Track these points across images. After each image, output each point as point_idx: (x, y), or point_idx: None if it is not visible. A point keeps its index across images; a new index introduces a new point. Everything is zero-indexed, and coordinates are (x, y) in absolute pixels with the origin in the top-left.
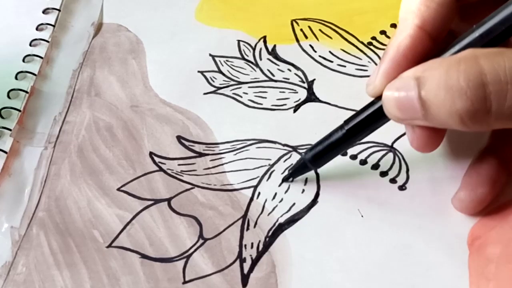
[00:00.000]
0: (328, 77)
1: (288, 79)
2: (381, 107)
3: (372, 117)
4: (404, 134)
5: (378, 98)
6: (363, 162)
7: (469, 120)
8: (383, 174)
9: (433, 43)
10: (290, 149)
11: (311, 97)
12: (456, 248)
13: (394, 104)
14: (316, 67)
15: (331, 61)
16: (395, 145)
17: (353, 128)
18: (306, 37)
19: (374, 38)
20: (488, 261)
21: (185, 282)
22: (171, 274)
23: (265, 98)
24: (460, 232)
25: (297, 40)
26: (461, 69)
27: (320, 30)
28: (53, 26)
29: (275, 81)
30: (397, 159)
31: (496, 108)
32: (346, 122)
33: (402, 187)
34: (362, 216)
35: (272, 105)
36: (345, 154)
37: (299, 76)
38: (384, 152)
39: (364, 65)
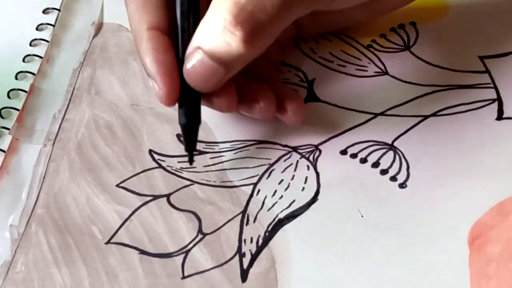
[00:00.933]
0: (328, 77)
1: (288, 79)
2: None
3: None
4: (404, 132)
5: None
6: (363, 160)
7: (252, 37)
8: (383, 172)
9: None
10: (290, 149)
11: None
12: (456, 247)
13: (197, 76)
14: (316, 67)
15: (331, 61)
16: (395, 144)
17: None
18: (306, 42)
19: (373, 41)
20: (488, 261)
21: (184, 277)
22: (170, 269)
23: None
24: (461, 231)
25: (297, 45)
26: (217, 14)
27: (320, 34)
28: (53, 26)
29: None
30: (397, 157)
31: (263, 13)
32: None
33: (402, 185)
34: (362, 216)
35: None
36: (345, 153)
37: (299, 76)
38: (384, 150)
39: (364, 65)
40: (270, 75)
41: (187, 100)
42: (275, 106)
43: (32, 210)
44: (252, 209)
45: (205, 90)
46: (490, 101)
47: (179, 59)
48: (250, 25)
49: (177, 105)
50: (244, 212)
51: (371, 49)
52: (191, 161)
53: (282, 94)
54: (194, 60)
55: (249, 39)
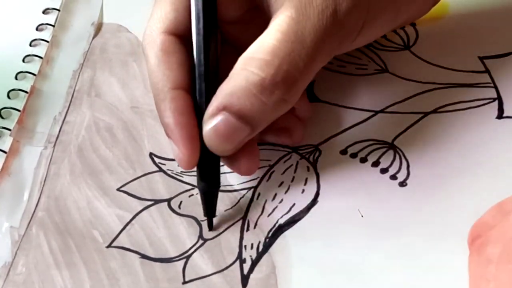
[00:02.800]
0: (328, 78)
1: None
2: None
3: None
4: (404, 130)
5: None
6: (363, 160)
7: (290, 95)
8: (384, 171)
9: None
10: (290, 150)
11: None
12: (456, 247)
13: (219, 138)
14: None
15: (331, 63)
16: (395, 142)
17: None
18: None
19: (374, 40)
20: (488, 262)
21: (185, 282)
22: (171, 274)
23: None
24: (461, 230)
25: None
26: (249, 69)
27: None
28: (53, 26)
29: None
30: (397, 156)
31: (298, 71)
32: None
33: (402, 184)
34: (362, 216)
35: None
36: (345, 152)
37: None
38: (384, 149)
39: (364, 64)
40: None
41: (207, 163)
42: (303, 131)
43: (33, 213)
44: (252, 215)
45: (225, 153)
46: (491, 100)
47: (199, 121)
48: (288, 83)
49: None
50: (244, 218)
51: (371, 48)
52: (210, 227)
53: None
54: (217, 120)
55: (287, 98)
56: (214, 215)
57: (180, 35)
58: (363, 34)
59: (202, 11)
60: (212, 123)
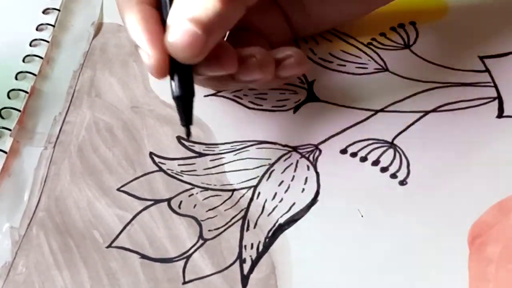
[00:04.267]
0: (328, 77)
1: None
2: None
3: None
4: (404, 129)
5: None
6: (363, 159)
7: None
8: (384, 169)
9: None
10: (290, 149)
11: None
12: (456, 247)
13: (181, 46)
14: (316, 68)
15: (331, 62)
16: (395, 141)
17: None
18: (306, 42)
19: (373, 39)
20: (488, 261)
21: (185, 282)
22: (171, 274)
23: (265, 99)
24: (461, 229)
25: (297, 46)
26: None
27: (319, 34)
28: (53, 26)
29: None
30: (397, 154)
31: None
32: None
33: (403, 182)
34: (362, 216)
35: (273, 106)
36: (345, 152)
37: (299, 78)
38: (384, 148)
39: (364, 63)
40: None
41: (179, 72)
42: (236, 58)
43: (34, 213)
44: (252, 214)
45: (190, 61)
46: (491, 99)
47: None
48: None
49: (175, 108)
50: (244, 217)
51: (371, 46)
52: (188, 134)
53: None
54: (176, 29)
55: None
56: (191, 123)
57: None
58: None
59: None
60: (169, 31)
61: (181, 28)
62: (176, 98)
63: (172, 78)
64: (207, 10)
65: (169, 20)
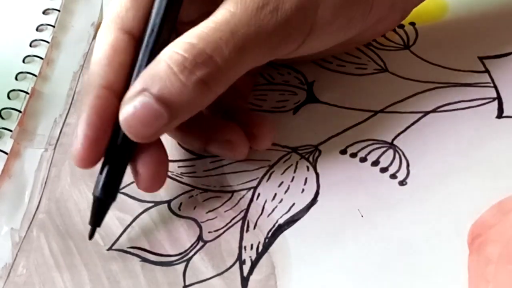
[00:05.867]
0: (327, 78)
1: (288, 81)
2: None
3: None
4: (404, 130)
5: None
6: (363, 159)
7: (210, 80)
8: (383, 170)
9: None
10: (290, 150)
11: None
12: (456, 247)
13: (137, 121)
14: (316, 69)
15: (331, 62)
16: (395, 142)
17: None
18: None
19: (373, 39)
20: (488, 261)
21: (185, 286)
22: (171, 278)
23: (265, 100)
24: (460, 229)
25: None
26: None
27: None
28: (53, 26)
29: (275, 84)
30: (397, 155)
31: (221, 58)
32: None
33: (402, 182)
34: (362, 216)
35: (272, 107)
36: (344, 152)
37: (298, 79)
38: (384, 149)
39: (363, 63)
40: (238, 107)
41: (110, 172)
42: (248, 147)
43: (34, 215)
44: (252, 215)
45: (141, 139)
46: (490, 100)
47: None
48: (209, 67)
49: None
50: (244, 218)
51: (371, 47)
52: (91, 236)
53: (250, 121)
54: (136, 102)
55: (208, 81)
56: (99, 225)
57: (134, 35)
58: (312, 39)
59: (164, 9)
60: (130, 104)
61: (146, 105)
62: (95, 197)
63: (101, 172)
64: (182, 94)
65: (130, 94)
